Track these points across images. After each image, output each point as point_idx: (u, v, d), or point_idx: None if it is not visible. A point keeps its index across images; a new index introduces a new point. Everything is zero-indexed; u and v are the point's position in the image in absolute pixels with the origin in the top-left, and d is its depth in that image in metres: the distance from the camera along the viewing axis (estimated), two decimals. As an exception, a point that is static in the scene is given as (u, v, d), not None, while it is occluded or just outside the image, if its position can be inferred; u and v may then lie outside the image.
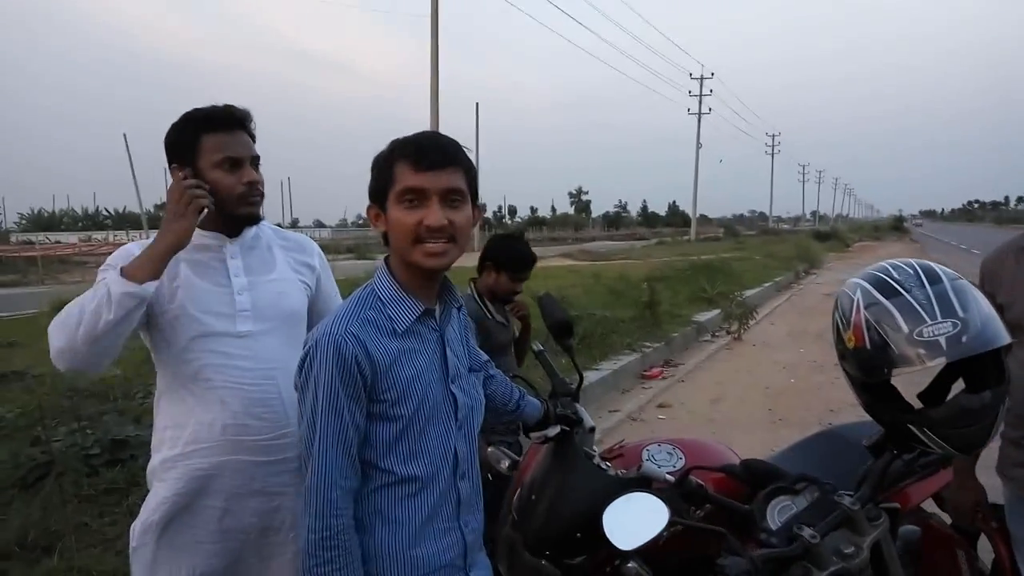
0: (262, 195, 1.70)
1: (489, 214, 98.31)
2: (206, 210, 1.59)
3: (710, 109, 52.63)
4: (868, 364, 1.50)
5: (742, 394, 6.77)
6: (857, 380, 1.58)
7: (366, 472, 1.28)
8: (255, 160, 1.69)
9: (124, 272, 1.50)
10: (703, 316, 10.34)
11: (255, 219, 1.72)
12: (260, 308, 1.68)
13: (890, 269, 1.54)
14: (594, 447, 1.88)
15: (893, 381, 1.52)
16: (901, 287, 1.47)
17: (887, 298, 1.47)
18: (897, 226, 69.19)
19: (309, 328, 1.84)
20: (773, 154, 77.49)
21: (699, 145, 50.07)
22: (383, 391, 1.26)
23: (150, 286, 1.51)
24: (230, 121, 1.65)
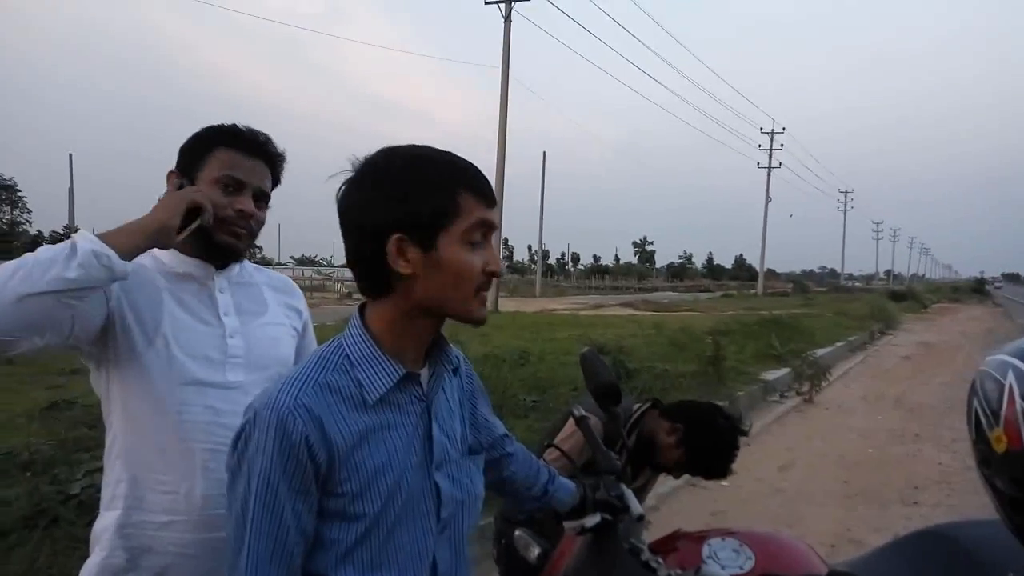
0: (251, 233, 1.45)
1: (552, 260, 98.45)
2: (199, 222, 1.35)
3: (780, 163, 51.54)
4: None
5: (814, 463, 6.23)
6: (1007, 495, 1.17)
7: None
8: (261, 195, 1.45)
9: (99, 236, 1.22)
10: (771, 375, 9.77)
11: (234, 252, 1.45)
12: (254, 355, 1.42)
13: None
14: (643, 538, 1.56)
15: None
16: None
17: None
18: (978, 288, 65.96)
19: None
20: (845, 210, 75.58)
21: (768, 199, 49.12)
22: (341, 482, 0.95)
23: (125, 264, 1.20)
24: (252, 144, 1.43)
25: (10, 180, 42.93)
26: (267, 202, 1.48)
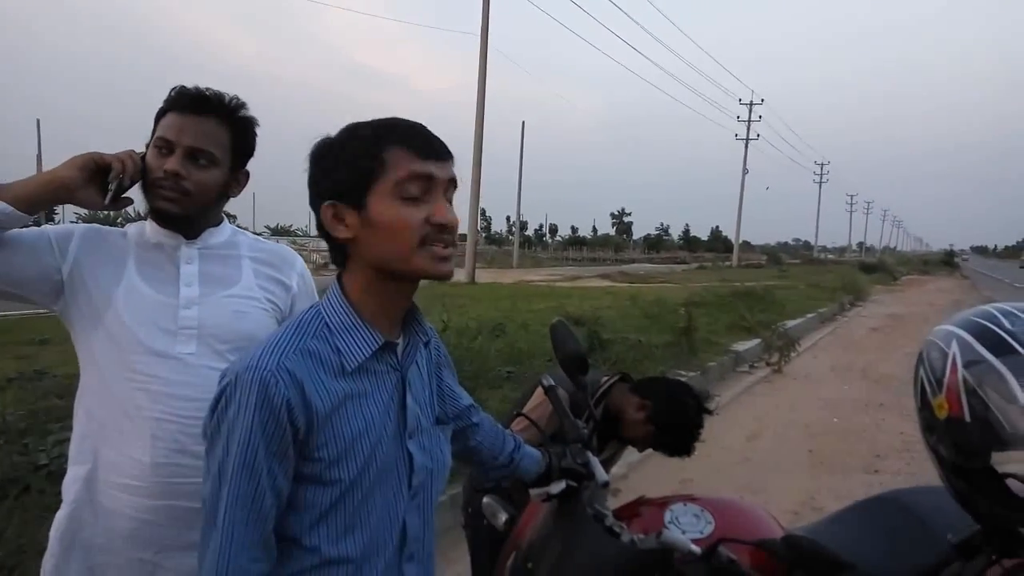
0: (185, 193, 1.40)
1: (530, 231, 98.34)
2: (113, 182, 1.34)
3: (758, 135, 51.67)
4: (966, 442, 1.14)
5: (781, 432, 6.37)
6: (948, 462, 1.22)
7: (284, 550, 1.00)
8: (198, 152, 1.40)
9: None
10: (742, 346, 9.91)
11: (168, 217, 1.42)
12: (208, 327, 1.42)
13: (999, 316, 1.16)
14: (607, 505, 1.61)
15: (999, 467, 1.14)
16: (1016, 341, 1.11)
17: (996, 355, 1.11)
18: (948, 260, 67.02)
19: None
20: (821, 183, 76.21)
21: (745, 171, 49.35)
22: (318, 447, 0.98)
23: (5, 208, 1.25)
24: (191, 103, 1.40)
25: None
26: (212, 161, 1.42)
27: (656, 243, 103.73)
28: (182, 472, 1.36)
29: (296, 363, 0.97)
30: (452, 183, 1.03)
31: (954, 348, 1.18)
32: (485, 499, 1.70)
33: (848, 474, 5.21)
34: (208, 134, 1.41)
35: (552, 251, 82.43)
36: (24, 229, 1.37)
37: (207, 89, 1.43)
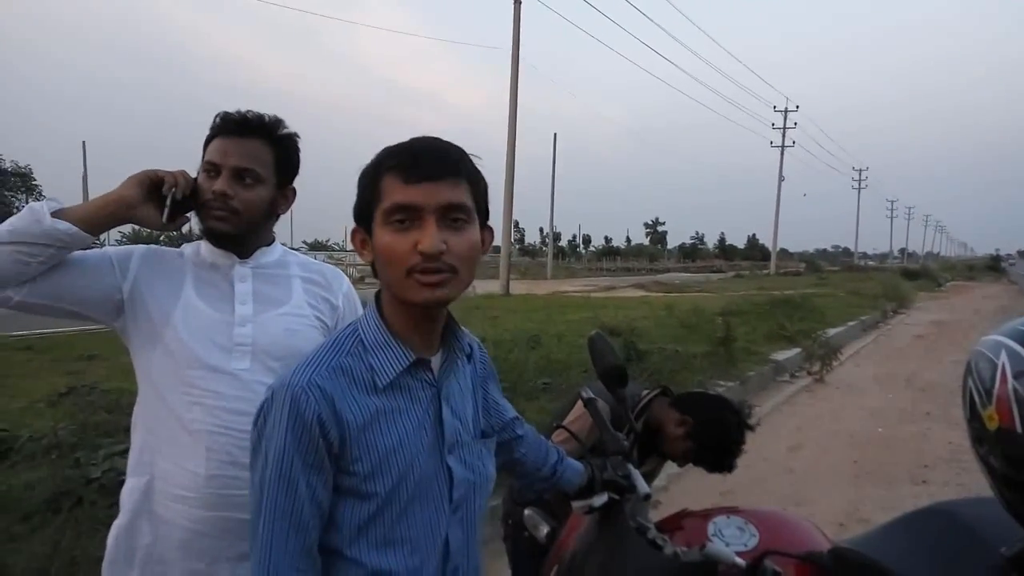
0: (234, 212, 1.46)
1: (564, 242, 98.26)
2: (169, 196, 1.41)
3: (793, 142, 50.94)
4: (1017, 453, 1.12)
5: (824, 442, 6.25)
6: (999, 473, 1.19)
7: (328, 561, 1.02)
8: (243, 172, 1.46)
9: (62, 208, 1.36)
10: (782, 355, 9.76)
11: (221, 236, 1.49)
12: (262, 344, 1.47)
13: None
14: (649, 517, 1.60)
15: None
16: None
17: None
18: (993, 266, 65.13)
19: None
20: (859, 189, 74.86)
21: (781, 178, 48.66)
22: (353, 461, 1.00)
23: (73, 231, 1.32)
24: (232, 126, 1.47)
25: (25, 167, 43.17)
26: (257, 179, 1.48)
27: (691, 252, 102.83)
28: (234, 484, 1.40)
29: (328, 380, 1.00)
30: (448, 208, 0.99)
31: (1003, 358, 1.15)
32: (527, 511, 1.70)
33: (894, 485, 5.09)
34: (252, 154, 1.47)
35: (586, 262, 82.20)
36: (87, 251, 1.44)
37: (248, 112, 1.49)
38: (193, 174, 1.49)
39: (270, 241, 1.60)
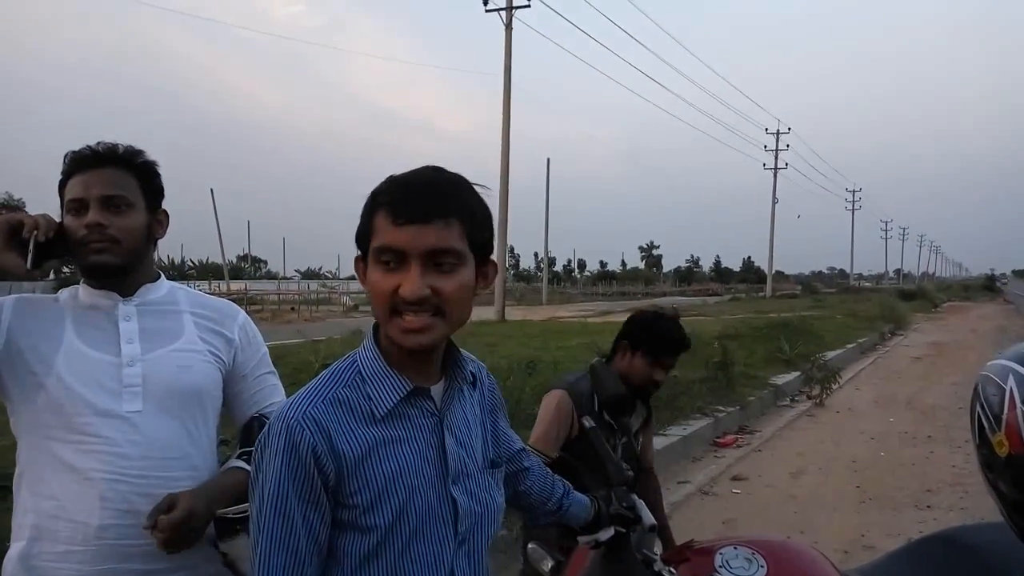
0: (115, 241, 1.39)
1: (559, 267, 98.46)
2: (31, 238, 1.32)
3: (787, 164, 51.30)
4: None
5: (826, 467, 6.21)
6: (1010, 499, 1.18)
7: None
8: (115, 200, 1.40)
9: None
10: (781, 379, 9.75)
11: (106, 269, 1.41)
12: (154, 383, 1.40)
13: None
14: (655, 549, 1.57)
15: None
16: None
17: None
18: (989, 285, 65.51)
19: (224, 411, 1.56)
20: (854, 210, 75.36)
21: (775, 200, 49.08)
22: (351, 494, 0.97)
23: None
24: (90, 159, 1.41)
25: (18, 200, 43.26)
26: (128, 204, 1.41)
27: (687, 275, 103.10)
28: (130, 534, 1.33)
29: (323, 411, 0.98)
30: (436, 253, 0.96)
31: (1011, 383, 1.14)
32: (530, 545, 1.67)
33: (899, 510, 5.04)
34: (115, 182, 1.42)
35: (581, 286, 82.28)
36: None
37: (99, 144, 1.45)
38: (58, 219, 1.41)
39: (155, 277, 1.53)
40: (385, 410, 1.01)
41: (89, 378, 1.37)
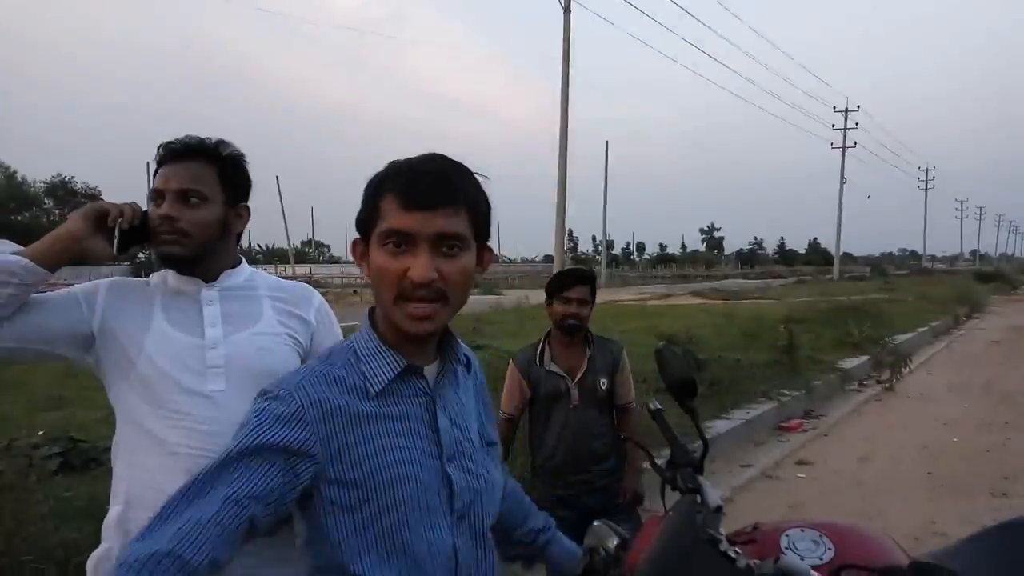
0: (185, 234, 1.47)
1: (617, 250, 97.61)
2: (116, 226, 1.43)
3: (855, 143, 49.35)
4: None
5: (896, 453, 6.04)
6: None
7: None
8: (189, 193, 1.48)
9: (23, 248, 1.40)
10: (849, 363, 9.49)
11: (174, 260, 1.50)
12: (235, 365, 1.48)
13: None
14: (720, 530, 1.58)
15: None
16: None
17: None
18: (1075, 266, 61.90)
19: None
20: (927, 189, 72.25)
21: (843, 180, 47.34)
22: (343, 469, 0.99)
23: (27, 267, 1.34)
24: (172, 153, 1.50)
25: (94, 189, 45.24)
26: (202, 198, 1.48)
27: (750, 258, 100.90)
28: None
29: (317, 387, 1.00)
30: (444, 237, 0.99)
31: None
32: (595, 522, 1.70)
33: (973, 497, 4.88)
34: (194, 175, 1.49)
35: (640, 270, 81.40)
36: (53, 292, 1.48)
37: (187, 137, 1.53)
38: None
39: (235, 263, 1.60)
40: (379, 387, 1.03)
41: (176, 359, 1.46)
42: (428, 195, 0.98)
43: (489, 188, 1.07)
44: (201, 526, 0.88)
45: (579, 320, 2.67)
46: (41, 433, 4.59)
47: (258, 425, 0.96)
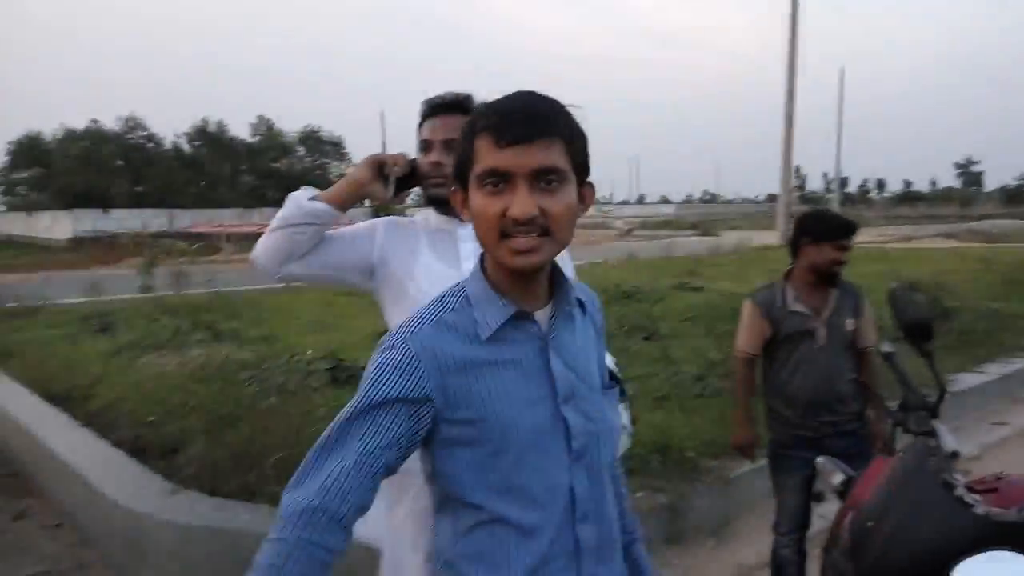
0: (449, 177, 1.62)
1: (853, 188, 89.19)
2: (391, 174, 1.69)
3: None
4: None
5: None
6: None
7: (452, 510, 1.08)
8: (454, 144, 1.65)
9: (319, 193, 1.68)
10: None
11: (442, 201, 1.71)
12: None
13: None
14: (956, 476, 1.54)
15: None
16: None
17: None
18: None
19: None
20: None
21: None
22: (457, 410, 1.03)
23: (322, 208, 1.64)
24: (443, 107, 1.71)
25: (338, 138, 49.92)
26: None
27: (1016, 195, 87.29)
28: None
29: (430, 333, 1.04)
30: (542, 171, 0.98)
31: None
32: (820, 459, 1.73)
33: None
34: (457, 127, 1.60)
35: (880, 209, 73.80)
36: (344, 228, 1.76)
37: (446, 93, 1.73)
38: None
39: None
40: (489, 332, 1.05)
41: (440, 286, 1.66)
42: (521, 129, 0.97)
43: (584, 121, 1.05)
44: (342, 479, 0.97)
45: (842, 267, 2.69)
46: (310, 352, 5.38)
47: (378, 377, 1.01)
